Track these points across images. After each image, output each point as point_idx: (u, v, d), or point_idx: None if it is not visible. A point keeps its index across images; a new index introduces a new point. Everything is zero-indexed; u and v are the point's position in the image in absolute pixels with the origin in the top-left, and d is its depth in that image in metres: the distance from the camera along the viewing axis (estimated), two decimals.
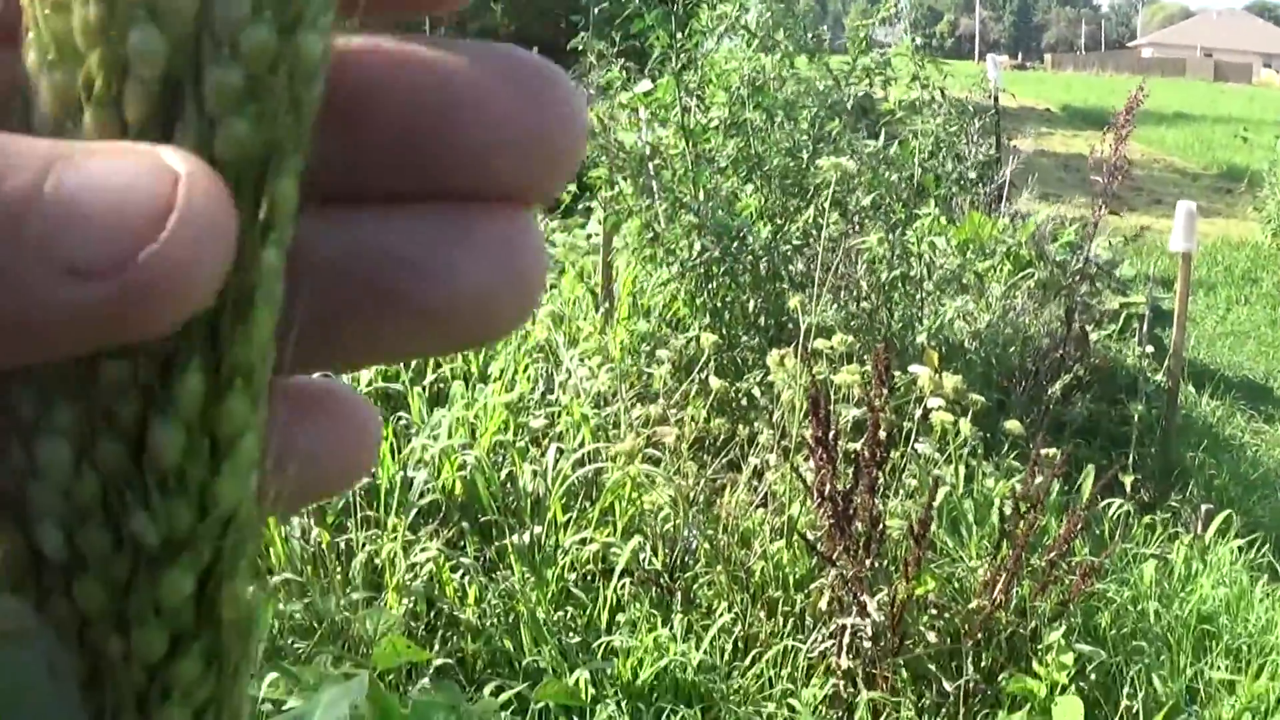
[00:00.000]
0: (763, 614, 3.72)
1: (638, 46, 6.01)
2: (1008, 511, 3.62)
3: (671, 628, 3.60)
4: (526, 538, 3.89)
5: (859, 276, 5.45)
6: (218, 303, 0.27)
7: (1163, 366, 6.33)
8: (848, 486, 3.41)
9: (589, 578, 3.90)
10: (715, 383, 4.39)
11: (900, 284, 5.50)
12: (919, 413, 3.98)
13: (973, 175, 7.18)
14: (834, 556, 3.42)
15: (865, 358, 4.32)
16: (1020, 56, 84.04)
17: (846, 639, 3.44)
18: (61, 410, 0.27)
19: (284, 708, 2.17)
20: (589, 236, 6.96)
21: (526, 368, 5.03)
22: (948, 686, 3.39)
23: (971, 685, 3.39)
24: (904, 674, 3.45)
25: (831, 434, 3.46)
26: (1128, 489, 4.77)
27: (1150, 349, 6.61)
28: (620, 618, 3.69)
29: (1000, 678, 3.46)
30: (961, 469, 4.21)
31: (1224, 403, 7.17)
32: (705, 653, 3.54)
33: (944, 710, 3.40)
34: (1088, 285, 6.84)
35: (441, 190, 0.31)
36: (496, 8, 13.53)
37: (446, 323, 0.31)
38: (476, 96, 0.30)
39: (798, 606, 3.71)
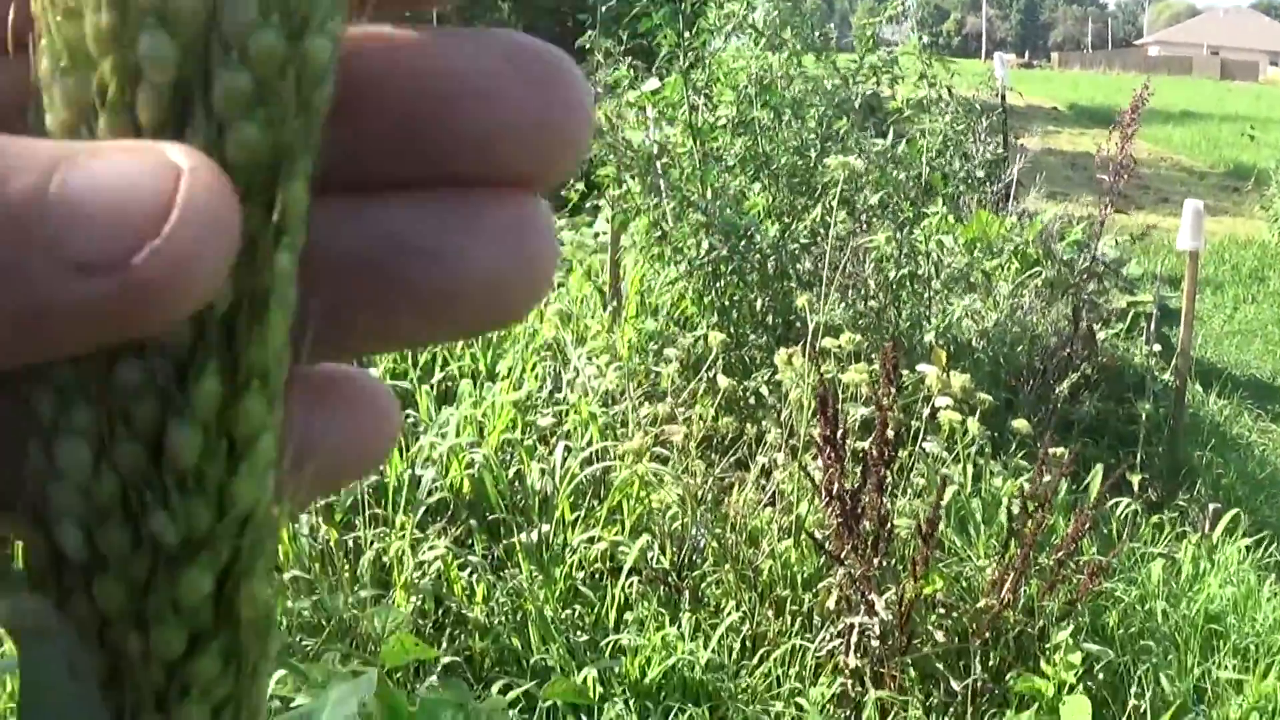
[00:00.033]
0: (770, 613, 3.72)
1: (645, 45, 6.01)
2: (1015, 510, 3.62)
3: (679, 626, 3.60)
4: (534, 536, 3.89)
5: (867, 275, 5.44)
6: (233, 306, 0.27)
7: (1170, 365, 6.33)
8: (856, 485, 3.41)
9: (597, 576, 3.90)
10: (723, 381, 4.39)
11: (908, 283, 5.49)
12: (927, 411, 3.98)
13: (980, 174, 7.18)
14: (842, 555, 3.42)
15: (873, 356, 4.31)
16: (1027, 55, 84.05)
17: (854, 638, 3.44)
18: (80, 412, 0.27)
19: (292, 705, 2.17)
20: (596, 235, 6.95)
21: (534, 366, 5.03)
22: (955, 686, 3.39)
23: (979, 684, 3.39)
24: (911, 673, 3.45)
25: (840, 433, 3.46)
26: (1135, 488, 4.77)
27: (1158, 348, 6.61)
28: (628, 616, 3.69)
29: (1008, 677, 3.46)
30: (969, 468, 4.21)
31: (1231, 402, 7.16)
32: (713, 651, 3.54)
33: (951, 709, 3.40)
34: (1095, 284, 6.84)
35: (449, 177, 0.31)
36: (504, 6, 13.52)
37: (458, 308, 0.31)
38: (481, 82, 0.30)
39: (805, 605, 3.71)
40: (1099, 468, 4.59)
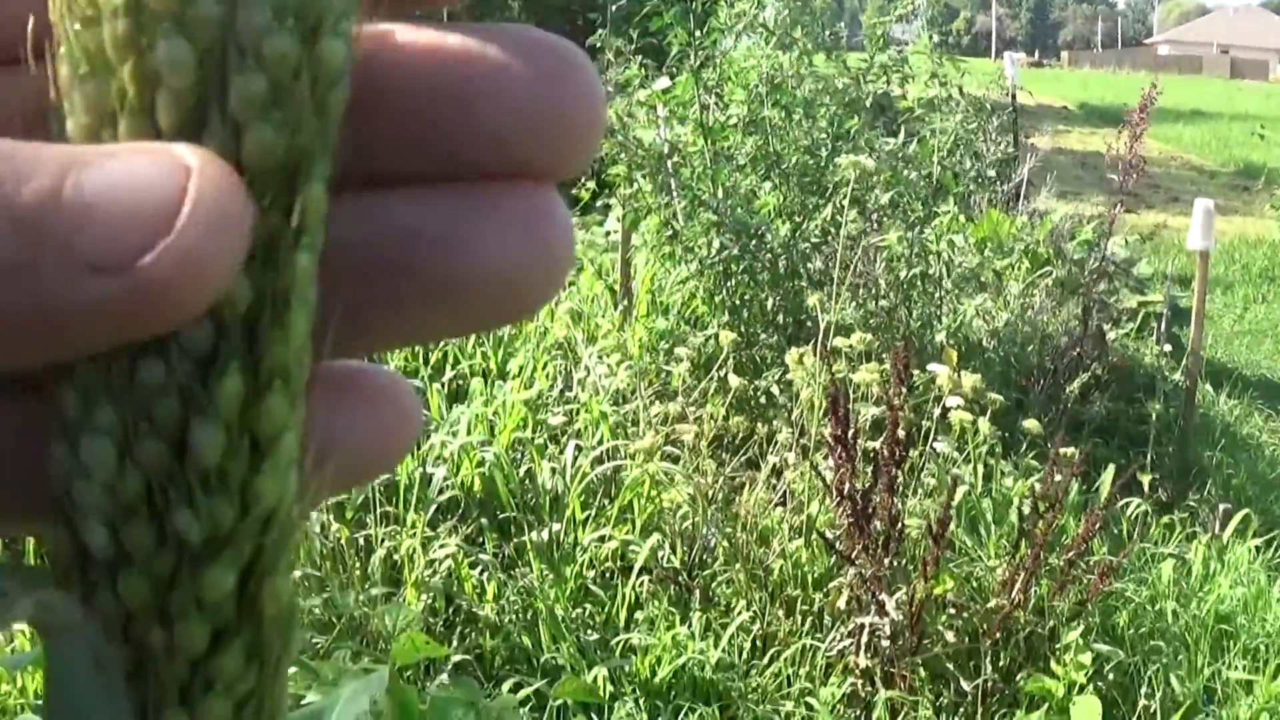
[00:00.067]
0: (781, 612, 3.72)
1: (656, 44, 6.00)
2: (1026, 511, 3.62)
3: (690, 626, 3.60)
4: (545, 535, 3.89)
5: (878, 274, 5.44)
6: (254, 306, 0.27)
7: (1180, 365, 6.32)
8: (866, 485, 3.41)
9: (607, 575, 3.90)
10: (734, 381, 4.38)
11: (919, 282, 5.49)
12: (938, 411, 3.98)
13: (991, 173, 7.17)
14: (853, 555, 3.42)
15: (884, 356, 4.31)
16: (1037, 54, 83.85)
17: (865, 638, 3.44)
18: (104, 411, 0.27)
19: (303, 702, 2.17)
20: (607, 234, 6.95)
21: (545, 365, 5.04)
22: (965, 686, 3.39)
23: (989, 685, 3.39)
24: (922, 673, 3.45)
25: (851, 432, 3.46)
26: (1145, 488, 4.76)
27: (1168, 348, 6.60)
28: (638, 615, 3.69)
29: (1018, 677, 3.46)
30: (980, 468, 4.20)
31: (1241, 402, 7.14)
32: (723, 651, 3.54)
33: (962, 709, 3.40)
34: (1105, 283, 6.82)
35: (465, 171, 0.31)
36: (514, 4, 13.52)
37: (476, 298, 0.32)
38: (496, 77, 0.31)
39: (816, 605, 3.71)
40: (1111, 468, 4.59)
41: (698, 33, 5.60)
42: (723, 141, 5.68)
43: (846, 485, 3.40)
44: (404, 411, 0.34)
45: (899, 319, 5.36)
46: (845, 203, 4.97)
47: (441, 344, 5.03)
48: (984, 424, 3.95)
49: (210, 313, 0.27)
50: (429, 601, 3.64)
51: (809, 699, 3.44)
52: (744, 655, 3.61)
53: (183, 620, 0.29)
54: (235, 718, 0.30)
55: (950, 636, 3.45)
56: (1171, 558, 4.36)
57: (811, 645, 3.57)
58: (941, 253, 5.58)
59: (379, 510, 3.83)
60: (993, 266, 6.40)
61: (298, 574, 3.53)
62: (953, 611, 3.57)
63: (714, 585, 3.83)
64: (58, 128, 0.27)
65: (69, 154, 0.26)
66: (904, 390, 3.53)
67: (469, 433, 4.25)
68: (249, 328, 0.28)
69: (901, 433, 3.41)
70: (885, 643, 3.42)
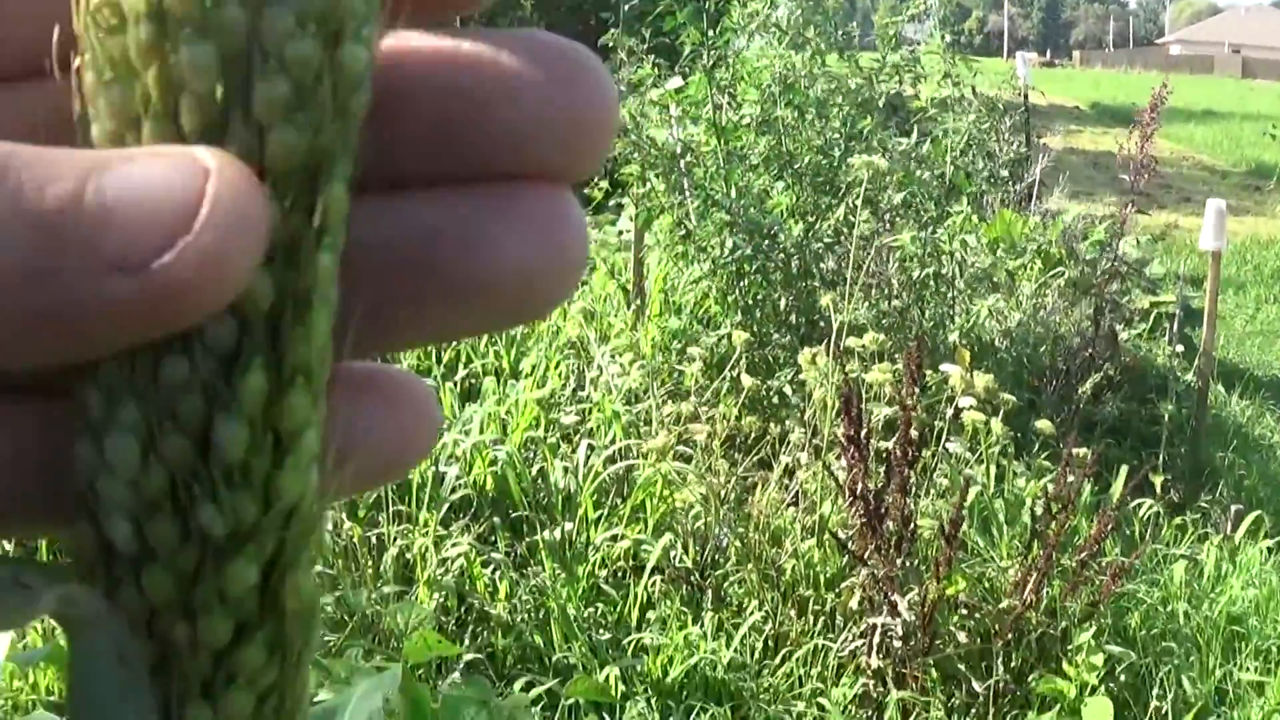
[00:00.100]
0: (793, 613, 3.72)
1: (668, 43, 6.01)
2: (1038, 511, 3.62)
3: (702, 625, 3.60)
4: (557, 534, 3.90)
5: (891, 275, 5.43)
6: (277, 304, 0.28)
7: (1192, 366, 6.31)
8: (879, 485, 3.41)
9: (620, 574, 3.90)
10: (747, 380, 4.38)
11: (932, 282, 5.48)
12: (950, 412, 3.98)
13: (1004, 173, 7.17)
14: (865, 555, 3.42)
15: (897, 356, 4.30)
16: (1049, 54, 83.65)
17: (877, 638, 3.44)
18: (128, 408, 0.28)
19: (315, 700, 2.18)
20: (620, 233, 6.96)
21: (558, 364, 5.04)
22: (977, 687, 3.39)
23: (1001, 685, 3.39)
24: (934, 674, 3.45)
25: (863, 433, 3.46)
26: (1158, 489, 4.76)
27: (1180, 348, 6.59)
28: (651, 615, 3.69)
29: (1030, 678, 3.46)
30: (992, 468, 4.20)
31: (1254, 403, 7.12)
32: (735, 651, 3.54)
33: (973, 710, 3.40)
34: (1118, 284, 6.81)
35: (481, 173, 0.32)
36: (526, 4, 13.52)
37: (492, 297, 0.32)
38: (510, 80, 0.31)
39: (828, 605, 3.71)
40: (1124, 469, 4.58)
41: (710, 32, 5.60)
42: (736, 141, 5.68)
43: (859, 485, 3.40)
44: (424, 413, 0.35)
45: (912, 319, 5.35)
46: (858, 203, 4.97)
47: (454, 343, 5.03)
48: (996, 424, 3.95)
49: (233, 311, 0.27)
50: (441, 600, 3.65)
51: (820, 699, 3.44)
52: (756, 655, 3.61)
53: (206, 614, 0.29)
54: (258, 711, 0.30)
55: (962, 637, 3.45)
56: (1183, 559, 4.35)
57: (823, 645, 3.57)
58: (954, 253, 5.57)
59: (391, 509, 3.83)
60: (1005, 267, 6.39)
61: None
62: (965, 612, 3.57)
63: (726, 585, 3.83)
64: (82, 134, 0.28)
65: (90, 158, 0.26)
66: (917, 390, 3.53)
67: (481, 432, 4.26)
68: (272, 325, 0.28)
69: (914, 433, 3.41)
70: (897, 643, 3.42)
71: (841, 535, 3.61)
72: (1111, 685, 3.54)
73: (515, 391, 4.62)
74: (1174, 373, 6.19)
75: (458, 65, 0.31)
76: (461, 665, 3.38)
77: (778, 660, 3.59)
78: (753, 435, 4.44)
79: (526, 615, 3.66)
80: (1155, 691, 3.62)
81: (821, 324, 5.00)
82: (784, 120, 5.66)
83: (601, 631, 3.63)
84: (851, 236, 4.95)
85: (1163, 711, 3.56)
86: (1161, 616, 4.00)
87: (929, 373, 4.11)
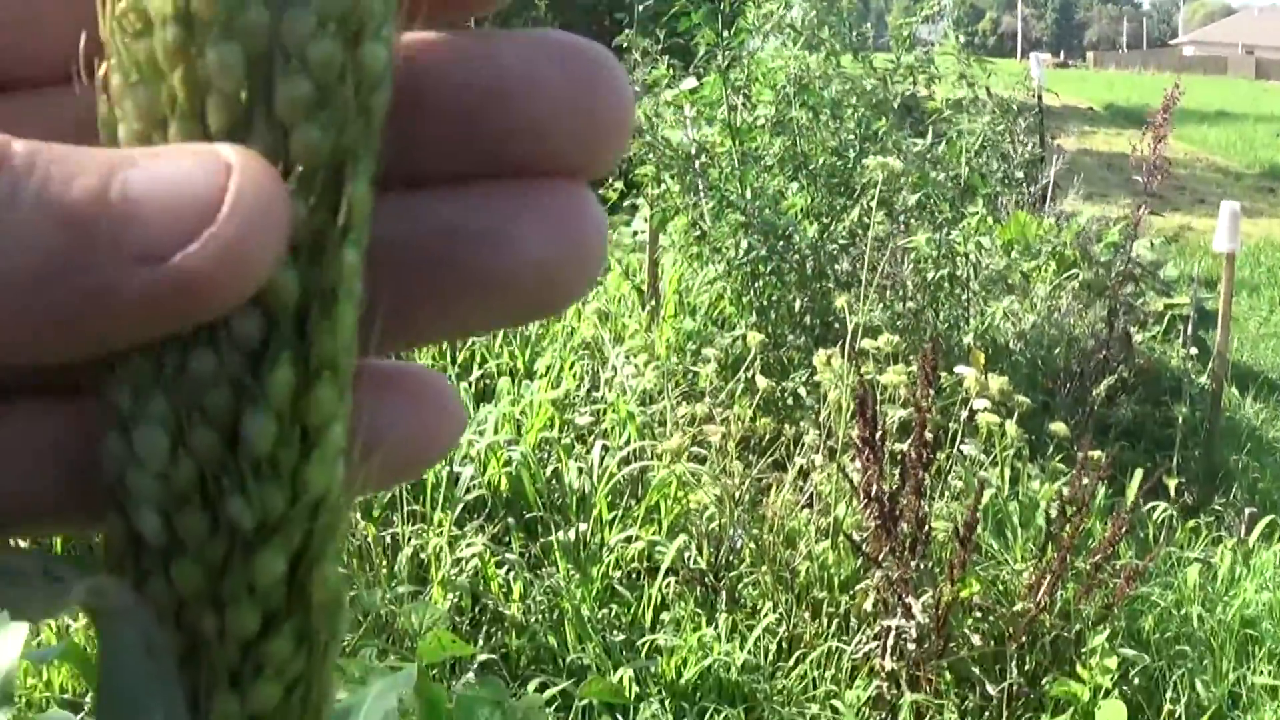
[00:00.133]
0: (807, 615, 3.72)
1: (683, 44, 6.01)
2: (1053, 514, 3.61)
3: (716, 627, 3.60)
4: (572, 535, 3.90)
5: (905, 276, 5.43)
6: (303, 300, 0.29)
7: (1206, 368, 6.30)
8: (894, 487, 3.41)
9: (634, 576, 3.90)
10: (761, 382, 4.37)
11: (946, 284, 5.48)
12: (964, 414, 3.98)
13: (1019, 175, 7.16)
14: (879, 558, 3.42)
15: (911, 358, 4.30)
16: (1062, 54, 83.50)
17: (891, 640, 3.43)
18: (157, 402, 0.28)
19: None
20: (635, 234, 6.96)
21: (572, 365, 5.04)
22: (991, 689, 3.39)
23: (1015, 688, 3.39)
24: (947, 676, 3.44)
25: (878, 434, 3.46)
26: (1171, 492, 4.75)
27: (1194, 350, 6.58)
28: (664, 616, 3.69)
29: (1044, 681, 3.46)
30: (1007, 471, 4.19)
31: (1268, 405, 7.10)
32: (749, 653, 3.54)
33: (987, 713, 3.40)
34: (1132, 286, 6.81)
35: (500, 170, 0.32)
36: (540, 5, 13.53)
37: (512, 292, 0.33)
38: (530, 80, 0.32)
39: (842, 607, 3.71)
40: (1139, 472, 4.57)
41: (725, 33, 5.61)
42: (750, 142, 5.68)
43: (874, 487, 3.40)
44: (448, 409, 0.36)
45: (926, 321, 5.35)
46: (873, 204, 4.97)
47: (469, 343, 5.04)
48: (1011, 426, 3.95)
49: (260, 306, 0.28)
50: (455, 600, 3.65)
51: (834, 701, 3.44)
52: (769, 657, 3.61)
53: (234, 605, 0.29)
54: (285, 701, 0.31)
55: (976, 640, 3.45)
56: (1197, 562, 4.35)
57: (837, 648, 3.57)
58: (969, 254, 5.57)
59: (406, 509, 3.83)
60: (1020, 268, 6.38)
61: None
62: (979, 615, 3.56)
63: (740, 587, 3.83)
64: (108, 136, 0.29)
65: (115, 155, 0.27)
66: (931, 392, 3.53)
67: (496, 432, 4.26)
68: (299, 321, 0.29)
69: (929, 435, 3.41)
70: (911, 645, 3.42)
71: (856, 537, 3.60)
72: (1125, 688, 3.54)
73: (530, 392, 4.63)
74: (1188, 375, 6.19)
75: (477, 64, 0.32)
76: (475, 666, 3.38)
77: (792, 662, 3.59)
78: (767, 437, 4.44)
79: (540, 616, 3.66)
80: (1169, 695, 3.61)
81: (836, 325, 5.00)
82: (799, 121, 5.66)
83: (615, 633, 3.63)
84: (866, 238, 4.94)
85: (1176, 715, 3.56)
86: (1175, 620, 3.99)
87: (944, 375, 4.11)
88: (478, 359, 5.06)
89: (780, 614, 3.69)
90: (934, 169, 5.64)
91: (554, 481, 4.17)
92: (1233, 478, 5.55)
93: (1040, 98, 9.21)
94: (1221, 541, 4.64)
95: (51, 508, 0.32)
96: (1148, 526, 4.64)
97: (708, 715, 3.35)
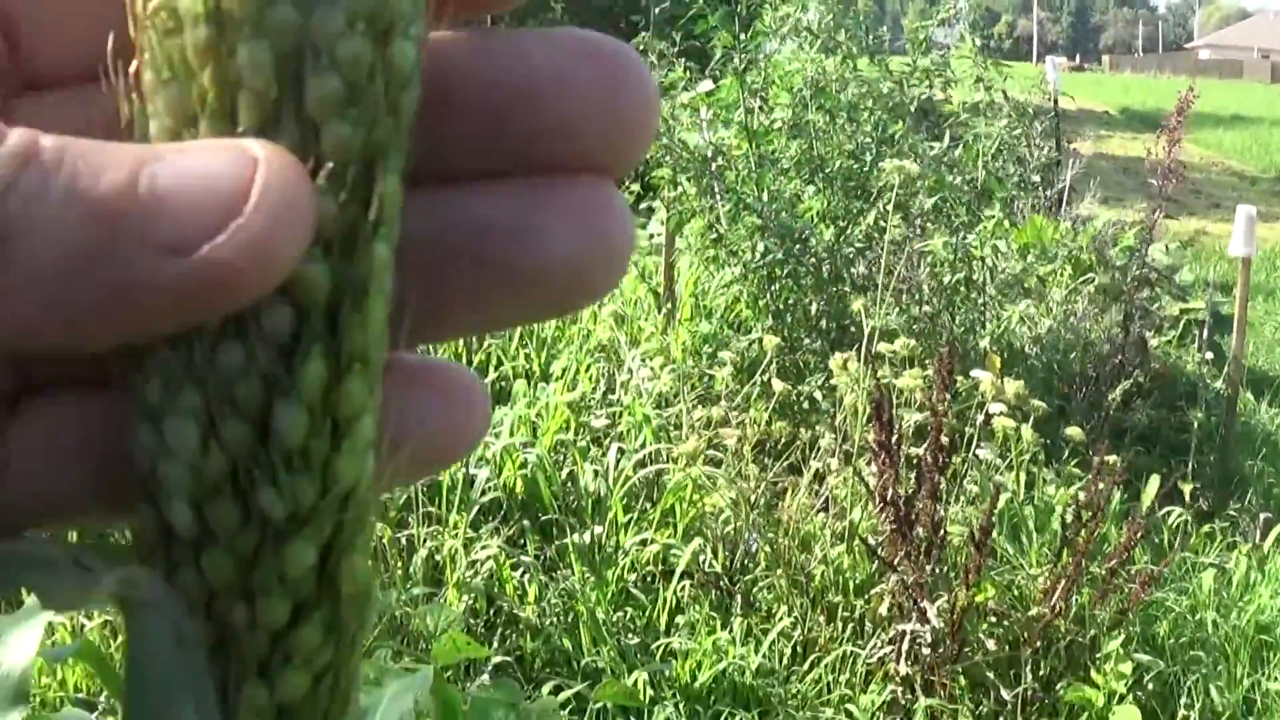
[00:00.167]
0: (822, 619, 3.72)
1: (699, 46, 6.02)
2: (1068, 519, 3.61)
3: (731, 631, 3.60)
4: (587, 537, 3.89)
5: (921, 280, 5.42)
6: (335, 294, 0.29)
7: (1222, 373, 6.29)
8: (909, 491, 3.40)
9: (649, 579, 3.90)
10: (777, 385, 4.37)
11: (962, 288, 5.48)
12: (980, 418, 3.97)
13: (1035, 178, 7.15)
14: (895, 562, 3.42)
15: (927, 362, 4.29)
16: (1078, 58, 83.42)
17: (906, 645, 3.43)
18: (188, 394, 0.29)
19: None
20: (651, 237, 6.96)
21: (588, 367, 5.04)
22: (1005, 694, 3.38)
23: (1029, 693, 3.38)
24: (962, 681, 3.44)
25: (894, 438, 3.46)
26: (1187, 497, 4.74)
27: (1210, 355, 6.57)
28: (679, 620, 3.69)
29: (1058, 686, 3.45)
30: (1022, 475, 4.19)
31: None
32: (764, 656, 3.54)
33: (1001, 718, 3.39)
34: (1147, 290, 6.80)
35: (529, 166, 0.33)
36: (557, 7, 13.53)
37: (542, 287, 0.33)
38: (558, 77, 0.32)
39: (857, 612, 3.70)
40: (1154, 477, 4.56)
41: (742, 36, 5.61)
42: (767, 145, 5.68)
43: (889, 491, 3.39)
44: (475, 404, 0.36)
45: (942, 325, 5.34)
46: (889, 207, 4.97)
47: (485, 345, 5.05)
48: (1026, 431, 3.94)
49: (291, 300, 0.28)
50: (470, 602, 3.65)
51: (849, 706, 3.43)
52: (784, 661, 3.61)
53: (264, 595, 0.30)
54: (313, 690, 0.31)
55: (991, 645, 3.45)
56: (1212, 567, 4.34)
57: (852, 652, 3.56)
58: (985, 258, 5.56)
59: (421, 510, 3.83)
60: (1036, 273, 6.37)
61: None
62: (994, 619, 3.56)
63: (755, 590, 3.83)
64: (138, 133, 0.29)
65: (143, 150, 0.27)
66: (947, 396, 3.52)
67: (512, 434, 4.26)
68: (331, 315, 0.29)
69: (945, 439, 3.41)
70: (926, 650, 3.42)
71: (871, 541, 3.60)
72: (1139, 694, 3.53)
73: (546, 394, 4.63)
74: (1203, 380, 6.18)
75: (506, 63, 0.32)
76: (490, 668, 3.38)
77: (806, 666, 3.58)
78: (783, 440, 4.43)
79: (555, 618, 3.66)
80: (1183, 700, 3.61)
81: (852, 329, 5.00)
82: (815, 124, 5.66)
83: (630, 636, 3.63)
84: (883, 241, 4.94)
85: None
86: (1190, 625, 3.98)
87: (959, 379, 4.11)
88: (494, 361, 5.07)
89: (795, 618, 3.69)
90: (950, 172, 5.63)
91: (569, 484, 4.17)
92: (1248, 483, 5.53)
93: (1056, 101, 9.19)
94: (1236, 547, 4.63)
95: (80, 500, 0.32)
96: (1163, 532, 4.63)
97: (722, 719, 3.35)
